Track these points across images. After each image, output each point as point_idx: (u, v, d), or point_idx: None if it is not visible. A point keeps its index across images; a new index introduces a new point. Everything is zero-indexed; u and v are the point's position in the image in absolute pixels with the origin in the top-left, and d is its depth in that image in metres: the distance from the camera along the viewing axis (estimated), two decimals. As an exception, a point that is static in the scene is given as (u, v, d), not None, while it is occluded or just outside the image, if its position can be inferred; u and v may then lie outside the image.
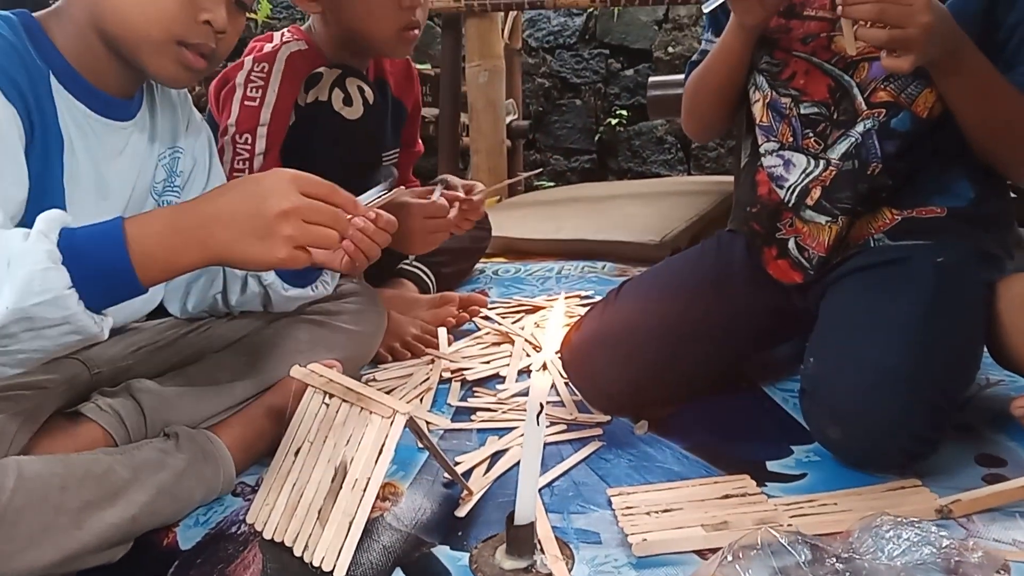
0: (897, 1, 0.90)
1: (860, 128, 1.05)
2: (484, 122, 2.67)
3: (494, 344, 1.42)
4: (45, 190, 0.84)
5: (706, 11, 1.11)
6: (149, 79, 0.95)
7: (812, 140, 1.09)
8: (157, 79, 0.92)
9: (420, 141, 1.68)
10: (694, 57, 1.26)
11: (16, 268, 0.65)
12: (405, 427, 0.84)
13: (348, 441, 0.85)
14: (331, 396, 0.90)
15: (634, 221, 2.07)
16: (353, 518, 0.80)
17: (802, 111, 1.10)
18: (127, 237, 0.71)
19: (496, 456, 1.03)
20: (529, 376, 1.24)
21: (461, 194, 1.31)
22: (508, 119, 2.86)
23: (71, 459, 0.82)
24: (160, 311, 1.10)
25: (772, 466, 0.99)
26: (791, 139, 1.12)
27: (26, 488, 0.75)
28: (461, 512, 0.91)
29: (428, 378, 1.28)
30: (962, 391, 1.04)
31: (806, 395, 1.02)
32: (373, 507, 0.82)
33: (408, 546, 0.86)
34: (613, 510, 0.89)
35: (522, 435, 1.04)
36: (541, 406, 0.66)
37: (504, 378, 1.27)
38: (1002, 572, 0.72)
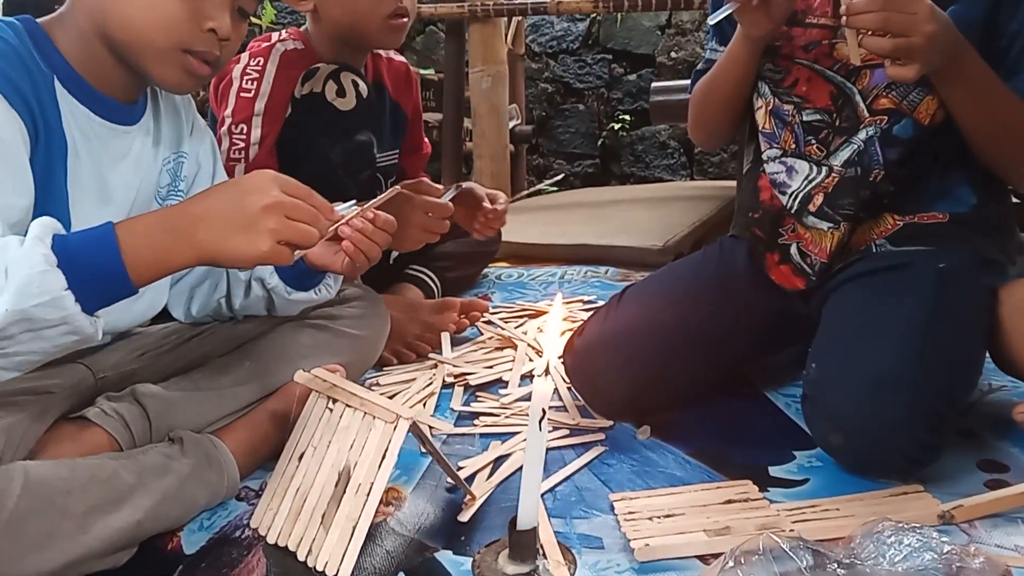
0: (901, 10, 0.90)
1: (862, 135, 1.06)
2: (487, 127, 2.67)
3: (497, 349, 1.42)
4: (49, 194, 0.85)
5: (711, 23, 1.11)
6: (153, 85, 0.95)
7: (814, 147, 1.10)
8: (161, 85, 0.93)
9: (427, 142, 1.69)
10: (699, 66, 1.27)
11: (14, 272, 0.67)
12: (408, 432, 0.84)
13: (352, 446, 0.85)
14: (335, 401, 0.90)
15: (637, 226, 2.08)
16: (356, 523, 0.81)
17: (804, 118, 1.10)
18: (119, 240, 0.73)
19: (499, 461, 1.03)
20: (532, 381, 1.25)
21: (487, 203, 1.37)
22: (511, 124, 2.86)
23: (77, 464, 0.83)
24: (164, 316, 1.11)
25: (774, 471, 0.99)
26: (793, 146, 1.12)
27: (32, 493, 0.76)
28: (464, 517, 0.91)
29: (431, 383, 1.28)
30: (964, 397, 1.04)
31: (808, 400, 1.02)
32: (376, 512, 0.82)
33: (411, 551, 0.86)
34: (615, 515, 0.90)
35: (525, 440, 1.04)
36: (543, 412, 0.66)
37: (507, 383, 1.28)
38: (1004, 578, 0.72)
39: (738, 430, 1.11)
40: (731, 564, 0.70)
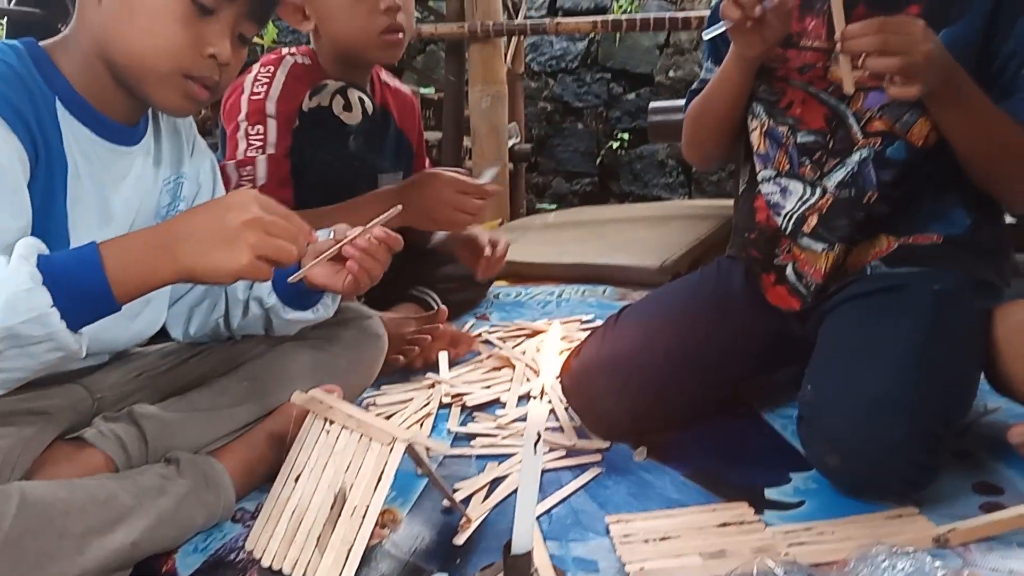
0: (899, 31, 0.91)
1: (856, 157, 1.06)
2: (487, 146, 2.69)
3: (494, 368, 1.43)
4: (49, 215, 0.86)
5: (706, 38, 1.13)
6: (153, 107, 0.97)
7: (808, 168, 1.11)
8: (161, 109, 0.94)
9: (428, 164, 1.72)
10: (694, 86, 1.28)
11: (1, 290, 0.70)
12: (404, 454, 0.84)
13: (348, 468, 0.86)
14: (331, 422, 0.91)
15: (635, 245, 2.08)
16: (352, 545, 0.81)
17: (799, 139, 1.11)
18: (103, 258, 0.75)
19: (496, 482, 1.03)
20: (529, 401, 1.25)
21: (488, 250, 1.47)
22: (511, 142, 2.88)
23: (74, 484, 0.83)
24: (162, 335, 1.11)
25: (770, 493, 0.99)
26: (788, 167, 1.13)
27: (29, 513, 0.76)
28: (460, 539, 0.91)
29: (428, 403, 1.28)
30: (960, 419, 1.04)
31: (804, 422, 1.02)
32: (372, 534, 0.82)
33: (406, 573, 0.86)
34: (611, 538, 0.90)
35: (521, 462, 1.04)
36: (539, 435, 0.67)
37: (501, 402, 1.28)
38: (999, 602, 0.72)
39: (735, 451, 1.11)
40: (726, 588, 0.70)
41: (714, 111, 1.19)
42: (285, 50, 1.43)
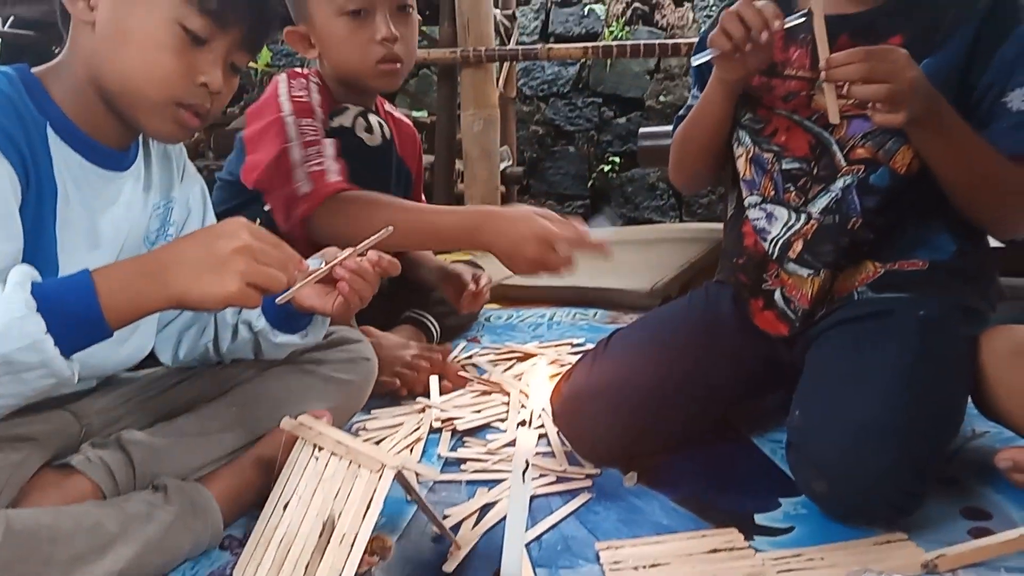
0: (883, 60, 0.93)
1: (840, 184, 1.08)
2: (479, 169, 2.71)
3: (484, 393, 1.43)
4: (38, 239, 0.86)
5: (695, 64, 1.15)
6: (144, 134, 0.97)
7: (793, 194, 1.12)
8: (152, 136, 0.95)
9: (423, 197, 1.76)
10: (681, 112, 1.30)
11: None
12: (394, 480, 0.84)
13: (336, 495, 0.85)
14: (320, 448, 0.91)
15: (625, 268, 2.09)
16: (340, 574, 0.80)
17: (784, 166, 1.13)
18: (96, 286, 0.75)
19: (485, 509, 1.03)
20: (518, 428, 1.25)
21: (471, 286, 1.54)
22: (503, 165, 2.90)
23: (61, 512, 0.83)
24: (150, 360, 1.11)
25: (760, 519, 0.99)
26: (773, 193, 1.14)
27: (15, 541, 0.76)
28: (449, 567, 0.91)
29: (419, 427, 1.28)
30: (948, 444, 1.05)
31: (792, 448, 1.02)
32: (361, 561, 0.82)
33: (395, 601, 0.85)
34: (601, 564, 0.89)
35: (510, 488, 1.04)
36: (527, 464, 0.67)
37: (492, 427, 1.28)
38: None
39: (724, 476, 1.11)
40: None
41: (698, 134, 1.21)
42: (302, 70, 1.44)
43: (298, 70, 1.43)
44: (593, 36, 3.56)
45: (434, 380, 1.43)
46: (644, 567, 0.87)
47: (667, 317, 1.26)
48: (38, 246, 0.86)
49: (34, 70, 0.91)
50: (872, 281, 1.10)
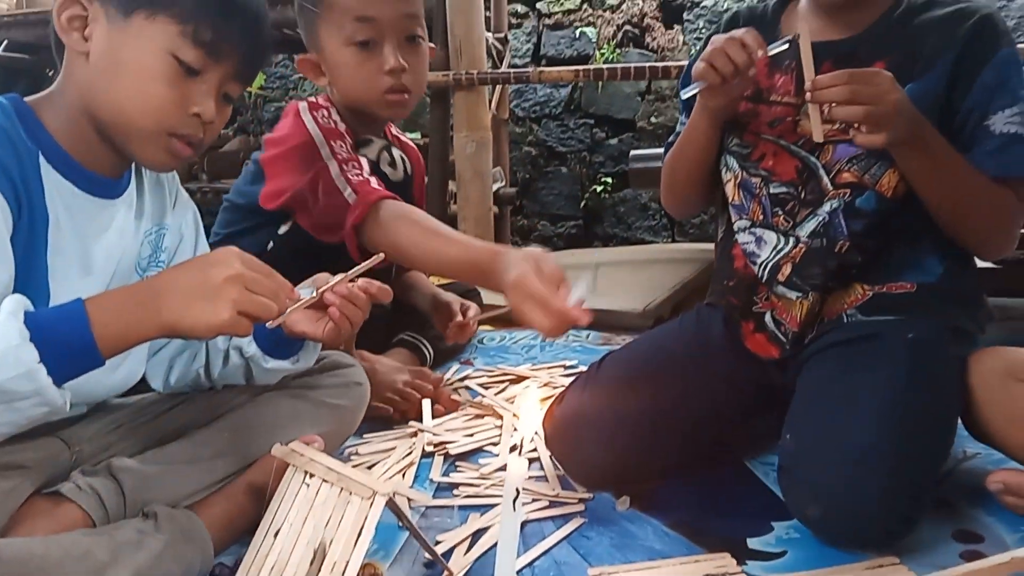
0: (867, 82, 0.95)
1: (827, 207, 1.09)
2: (472, 191, 2.72)
3: (477, 416, 1.42)
4: (29, 266, 0.86)
5: (683, 97, 1.16)
6: (136, 163, 0.98)
7: (781, 218, 1.13)
8: (145, 165, 0.96)
9: None
10: (670, 138, 1.31)
11: None
12: (385, 506, 0.84)
13: (328, 522, 0.85)
14: (311, 475, 0.90)
15: (618, 289, 2.10)
16: (331, 602, 0.80)
17: (771, 190, 1.14)
18: (88, 315, 0.76)
19: (478, 534, 1.03)
20: (510, 452, 1.24)
21: (459, 317, 1.54)
22: (496, 186, 2.91)
23: (49, 541, 0.82)
24: (142, 386, 1.11)
25: (753, 543, 0.99)
26: (761, 216, 1.15)
27: (5, 571, 0.75)
28: (441, 593, 0.90)
29: (411, 452, 1.28)
30: (940, 466, 1.05)
31: (784, 472, 1.02)
32: (352, 589, 0.81)
33: (387, 629, 0.85)
34: (593, 590, 0.89)
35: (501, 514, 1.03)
36: (517, 491, 0.67)
37: (485, 451, 1.27)
38: (978, 654, 0.72)
39: (717, 499, 1.11)
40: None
41: (686, 160, 1.22)
42: (318, 100, 1.45)
43: (315, 100, 1.44)
44: (584, 58, 3.59)
45: (427, 404, 1.43)
46: (636, 593, 0.87)
47: (658, 340, 1.26)
48: (29, 273, 0.86)
49: (28, 99, 0.92)
50: (861, 304, 1.11)
